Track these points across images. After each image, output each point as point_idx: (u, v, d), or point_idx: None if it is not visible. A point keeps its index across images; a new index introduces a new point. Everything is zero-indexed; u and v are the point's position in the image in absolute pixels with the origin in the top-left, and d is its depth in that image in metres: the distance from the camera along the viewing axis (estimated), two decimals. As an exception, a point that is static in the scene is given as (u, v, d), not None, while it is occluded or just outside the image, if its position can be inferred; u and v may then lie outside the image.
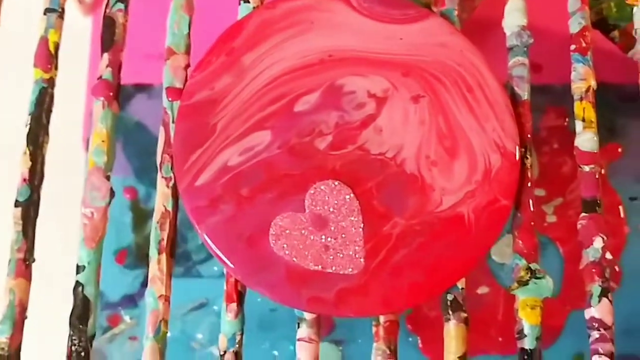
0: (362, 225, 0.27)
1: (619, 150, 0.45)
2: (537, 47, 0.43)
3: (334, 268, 0.26)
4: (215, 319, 0.42)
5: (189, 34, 0.29)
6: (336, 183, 0.27)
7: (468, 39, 0.30)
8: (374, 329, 0.27)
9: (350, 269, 0.26)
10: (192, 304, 0.43)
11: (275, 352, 0.41)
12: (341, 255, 0.27)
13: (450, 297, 0.27)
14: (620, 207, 0.44)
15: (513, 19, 0.29)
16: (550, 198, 0.44)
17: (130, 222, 0.44)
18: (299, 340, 0.27)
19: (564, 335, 0.42)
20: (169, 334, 0.43)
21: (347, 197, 0.27)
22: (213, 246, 0.27)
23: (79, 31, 0.44)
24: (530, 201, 0.28)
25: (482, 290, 0.42)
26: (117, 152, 0.48)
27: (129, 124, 0.45)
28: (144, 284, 0.46)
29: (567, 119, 0.45)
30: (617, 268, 0.44)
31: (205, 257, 0.43)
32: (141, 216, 0.44)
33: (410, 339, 0.42)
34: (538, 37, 0.45)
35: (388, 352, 0.27)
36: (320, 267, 0.26)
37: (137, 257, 0.43)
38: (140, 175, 0.44)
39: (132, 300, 0.43)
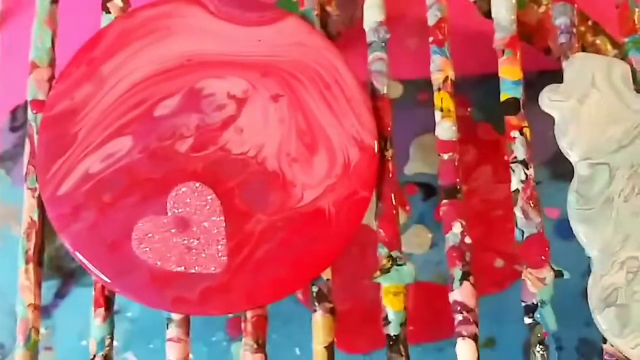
0: (224, 225, 0.27)
1: (523, 136, 0.46)
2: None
3: (197, 268, 0.27)
4: (129, 325, 0.42)
5: (52, 47, 0.30)
6: (197, 185, 0.28)
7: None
8: (242, 325, 0.28)
9: (213, 268, 0.27)
10: (106, 311, 0.43)
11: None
12: (204, 255, 0.27)
13: (315, 288, 0.28)
14: (527, 192, 0.45)
15: (371, 15, 0.30)
16: (455, 187, 0.45)
17: (42, 234, 0.44)
18: (168, 340, 0.27)
19: (473, 320, 0.43)
20: (84, 343, 0.44)
21: (209, 197, 0.28)
22: (77, 253, 0.27)
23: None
24: (392, 191, 0.29)
25: (392, 281, 0.43)
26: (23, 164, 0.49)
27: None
28: (58, 295, 0.46)
29: (469, 109, 0.46)
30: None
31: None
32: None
33: (323, 334, 0.43)
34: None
35: (256, 346, 0.27)
36: (183, 268, 0.27)
37: (50, 268, 0.44)
38: (49, 187, 0.44)
39: (46, 311, 0.43)
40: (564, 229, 0.43)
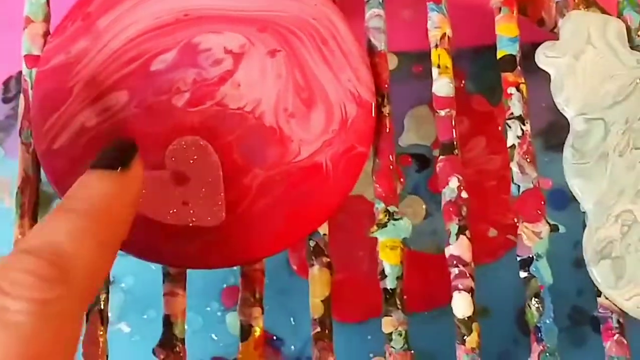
0: (222, 179, 0.27)
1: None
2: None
3: (194, 220, 0.27)
4: (122, 296, 0.42)
5: (47, 2, 0.29)
6: (195, 138, 0.27)
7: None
8: (239, 280, 0.28)
9: (211, 221, 0.27)
10: (100, 282, 0.43)
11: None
12: (202, 209, 0.27)
13: (312, 243, 0.28)
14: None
15: (368, -28, 0.30)
16: (449, 158, 0.45)
17: (34, 205, 0.44)
18: (164, 295, 0.27)
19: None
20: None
21: (207, 151, 0.28)
22: (72, 207, 0.27)
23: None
24: (389, 147, 0.29)
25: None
26: (15, 136, 0.49)
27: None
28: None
29: (463, 81, 0.46)
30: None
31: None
32: (45, 199, 0.44)
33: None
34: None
35: (252, 299, 0.27)
36: (180, 221, 0.27)
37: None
38: (42, 158, 0.44)
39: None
40: (557, 199, 0.43)
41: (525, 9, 0.43)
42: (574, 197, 0.30)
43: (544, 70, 0.31)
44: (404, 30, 0.49)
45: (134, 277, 0.42)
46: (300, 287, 0.44)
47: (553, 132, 0.45)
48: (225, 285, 0.42)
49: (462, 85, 0.47)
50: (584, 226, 0.29)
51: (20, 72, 0.48)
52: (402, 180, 0.45)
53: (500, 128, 0.47)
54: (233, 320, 0.42)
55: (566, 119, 0.30)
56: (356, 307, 0.43)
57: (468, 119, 0.46)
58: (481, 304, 0.42)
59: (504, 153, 0.45)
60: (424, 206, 0.43)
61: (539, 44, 0.40)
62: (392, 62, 0.49)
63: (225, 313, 0.42)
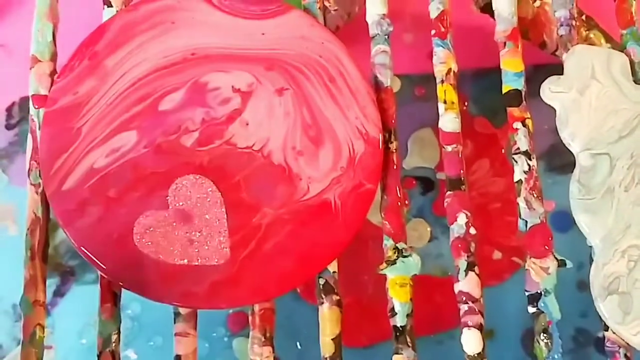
0: (225, 217, 0.27)
1: (518, 130, 0.46)
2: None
3: (200, 260, 0.27)
4: (129, 323, 0.42)
5: (53, 41, 0.30)
6: (197, 177, 0.27)
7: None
8: (250, 318, 0.28)
9: (216, 260, 0.27)
10: (106, 309, 0.43)
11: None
12: (207, 248, 0.27)
13: (322, 281, 0.28)
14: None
15: (373, 8, 0.30)
16: (453, 181, 0.45)
17: (39, 232, 0.44)
18: (176, 335, 0.27)
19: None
20: (83, 341, 0.44)
21: (209, 189, 0.28)
22: (83, 249, 0.27)
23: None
24: (397, 183, 0.29)
25: (391, 275, 0.43)
26: (23, 164, 0.48)
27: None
28: (57, 294, 0.46)
29: (466, 103, 0.46)
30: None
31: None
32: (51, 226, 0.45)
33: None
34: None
35: (263, 339, 0.27)
36: (186, 261, 0.27)
37: (48, 266, 0.43)
38: (46, 185, 0.43)
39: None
40: (560, 221, 0.43)
41: (526, 33, 0.44)
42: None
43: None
44: (406, 54, 0.49)
45: (141, 303, 0.42)
46: (305, 311, 0.44)
47: (555, 153, 0.45)
48: (231, 311, 0.42)
49: (464, 107, 0.47)
50: (591, 262, 0.29)
51: (22, 99, 0.48)
52: (406, 202, 0.45)
53: (503, 150, 0.47)
54: (239, 345, 0.42)
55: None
56: (362, 331, 0.43)
57: (471, 142, 0.46)
58: (487, 325, 0.42)
59: (508, 175, 0.45)
60: (429, 229, 0.44)
61: (541, 67, 0.40)
62: (395, 84, 0.49)
63: (232, 338, 0.42)
